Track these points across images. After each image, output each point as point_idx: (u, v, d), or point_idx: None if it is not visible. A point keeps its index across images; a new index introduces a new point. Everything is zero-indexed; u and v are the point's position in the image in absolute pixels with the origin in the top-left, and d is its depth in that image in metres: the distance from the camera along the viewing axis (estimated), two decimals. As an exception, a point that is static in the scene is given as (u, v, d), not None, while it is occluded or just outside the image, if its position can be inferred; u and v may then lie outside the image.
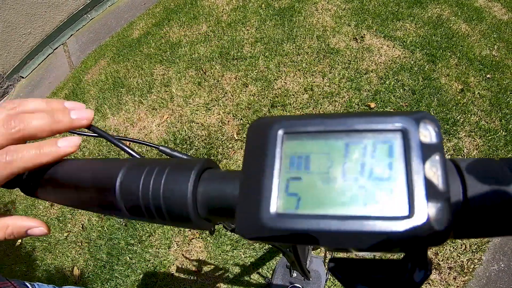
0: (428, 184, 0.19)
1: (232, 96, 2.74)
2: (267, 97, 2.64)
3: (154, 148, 0.43)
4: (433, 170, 0.20)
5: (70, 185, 0.35)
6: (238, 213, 0.24)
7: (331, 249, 0.24)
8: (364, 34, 2.99)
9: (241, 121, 2.58)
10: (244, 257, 2.06)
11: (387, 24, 3.05)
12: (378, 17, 3.13)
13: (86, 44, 4.63)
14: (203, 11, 3.73)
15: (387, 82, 2.57)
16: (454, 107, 2.39)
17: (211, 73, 2.96)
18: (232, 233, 2.12)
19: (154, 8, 4.35)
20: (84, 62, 4.09)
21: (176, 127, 2.71)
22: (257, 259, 2.04)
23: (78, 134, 0.49)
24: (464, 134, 2.27)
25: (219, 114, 2.67)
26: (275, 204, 0.22)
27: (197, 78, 2.97)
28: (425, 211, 0.19)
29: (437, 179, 0.20)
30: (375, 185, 0.20)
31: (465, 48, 2.75)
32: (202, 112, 2.72)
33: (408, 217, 0.19)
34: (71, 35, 5.16)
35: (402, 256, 0.23)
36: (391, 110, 2.40)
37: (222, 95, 2.77)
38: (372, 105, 2.45)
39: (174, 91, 2.95)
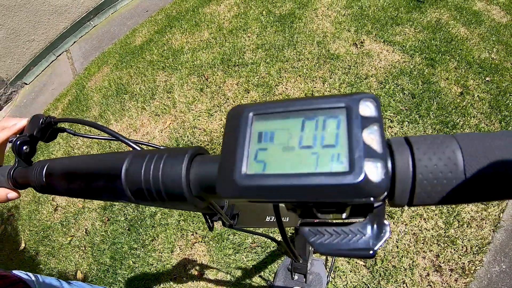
0: (366, 147, 0.23)
1: (234, 102, 2.76)
2: (268, 102, 2.67)
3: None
4: (371, 137, 0.24)
5: (80, 176, 0.40)
6: (217, 179, 0.28)
7: (292, 205, 0.28)
8: (363, 40, 3.02)
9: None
10: (246, 261, 2.07)
11: (387, 29, 3.08)
12: (377, 22, 3.16)
13: (89, 51, 4.66)
14: (204, 18, 3.77)
15: (387, 87, 2.59)
16: (453, 110, 2.40)
17: (213, 79, 2.99)
18: (234, 237, 2.13)
19: (157, 15, 4.39)
20: (87, 69, 4.12)
21: (179, 133, 2.73)
22: (259, 263, 2.05)
23: (87, 137, 0.54)
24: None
25: (221, 120, 2.69)
26: (245, 168, 0.26)
27: (199, 84, 2.99)
28: (362, 167, 0.23)
29: (375, 144, 0.23)
30: (324, 151, 0.25)
31: (464, 51, 2.77)
32: (204, 118, 2.74)
33: (349, 172, 0.23)
34: (74, 42, 5.20)
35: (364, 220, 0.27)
36: (388, 113, 2.42)
37: (224, 101, 2.79)
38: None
39: (176, 97, 2.97)
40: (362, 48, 2.95)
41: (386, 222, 0.26)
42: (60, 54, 5.01)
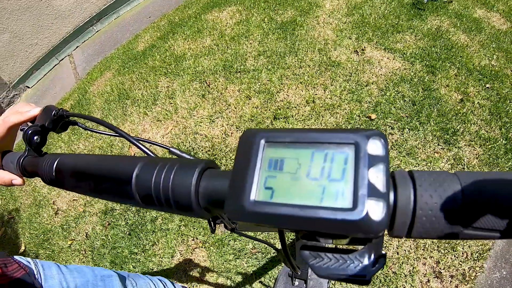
0: (371, 186, 0.24)
1: (236, 108, 2.77)
2: (269, 110, 2.68)
3: (165, 149, 0.48)
4: (376, 176, 0.25)
5: (90, 176, 0.41)
6: (227, 202, 0.29)
7: (295, 232, 0.28)
8: (364, 47, 3.04)
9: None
10: (247, 266, 2.07)
11: (387, 36, 3.10)
12: (378, 30, 3.19)
13: (91, 55, 4.68)
14: (207, 25, 3.79)
15: (387, 94, 2.61)
16: (454, 117, 2.41)
17: (215, 85, 3.00)
18: (235, 243, 2.13)
19: (159, 21, 4.41)
20: (89, 73, 4.14)
21: (180, 139, 2.74)
22: (259, 268, 2.05)
23: (100, 133, 0.56)
24: (464, 143, 2.29)
25: (223, 126, 2.70)
26: (255, 194, 0.27)
27: (201, 90, 3.01)
28: (364, 205, 0.24)
29: (379, 183, 0.24)
30: (331, 184, 0.26)
31: (464, 58, 2.79)
32: (206, 124, 2.75)
33: (352, 209, 0.24)
34: (77, 46, 5.22)
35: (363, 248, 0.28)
36: (389, 120, 2.43)
37: (226, 107, 2.80)
38: (373, 116, 2.48)
39: (178, 103, 2.99)
40: (363, 55, 2.97)
41: (383, 252, 0.28)
42: (62, 59, 5.04)
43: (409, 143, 2.29)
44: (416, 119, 2.42)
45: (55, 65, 4.98)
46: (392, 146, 2.29)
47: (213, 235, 2.19)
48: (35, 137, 0.60)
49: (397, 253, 1.93)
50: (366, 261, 0.27)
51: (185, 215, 0.36)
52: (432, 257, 1.90)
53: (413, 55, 2.87)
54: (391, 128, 2.40)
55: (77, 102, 3.64)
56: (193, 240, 2.23)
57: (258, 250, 2.09)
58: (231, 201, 0.28)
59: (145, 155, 0.46)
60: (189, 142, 2.68)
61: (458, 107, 2.48)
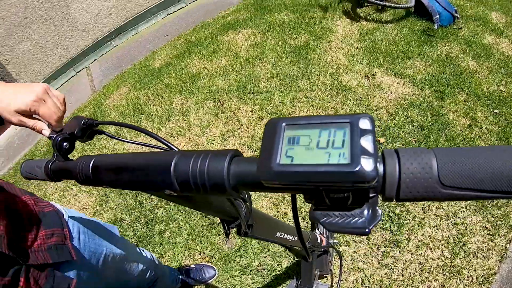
0: (362, 149, 0.33)
1: (248, 128, 2.85)
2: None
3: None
4: (366, 142, 0.33)
5: (129, 170, 0.49)
6: (258, 168, 0.37)
7: (308, 195, 0.38)
8: (375, 72, 3.13)
9: (255, 152, 2.68)
10: (252, 283, 2.12)
11: (398, 62, 3.19)
12: (389, 55, 3.28)
13: (108, 69, 4.81)
14: (222, 46, 3.92)
15: (396, 118, 2.67)
16: (461, 142, 2.47)
17: (228, 105, 3.10)
18: (241, 259, 2.19)
19: (176, 40, 4.54)
20: (106, 86, 4.27)
21: (195, 147, 2.81)
22: (264, 286, 2.10)
23: (126, 142, 0.70)
24: None
25: (234, 145, 2.78)
26: (279, 160, 0.36)
27: (215, 109, 3.10)
28: (359, 161, 0.32)
29: (369, 147, 0.33)
30: (334, 150, 0.34)
31: (473, 84, 2.86)
32: (218, 142, 2.83)
33: (350, 164, 0.32)
34: (95, 59, 5.36)
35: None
36: (397, 144, 2.50)
37: (238, 127, 2.89)
38: (382, 140, 2.55)
39: (192, 120, 3.08)
40: (373, 80, 3.06)
41: (378, 210, 0.36)
42: (80, 70, 5.18)
43: None
44: (425, 143, 2.48)
45: (72, 76, 5.12)
46: None
47: (220, 250, 2.24)
48: (65, 144, 0.67)
49: (402, 276, 1.98)
50: (366, 216, 0.35)
51: (218, 195, 0.44)
52: (437, 280, 1.95)
53: (423, 81, 2.95)
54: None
55: (92, 113, 3.75)
56: (200, 254, 2.29)
57: (264, 267, 2.14)
58: (261, 166, 0.37)
59: None
60: None
61: (466, 132, 2.53)
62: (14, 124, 0.76)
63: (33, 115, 0.76)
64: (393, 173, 0.33)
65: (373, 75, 3.11)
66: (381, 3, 3.80)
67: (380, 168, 0.34)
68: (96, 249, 1.08)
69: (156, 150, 0.63)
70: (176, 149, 0.53)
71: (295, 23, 4.02)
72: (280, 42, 3.72)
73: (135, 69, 4.35)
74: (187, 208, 2.40)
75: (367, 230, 0.35)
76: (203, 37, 4.25)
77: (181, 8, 5.94)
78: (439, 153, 0.33)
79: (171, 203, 2.47)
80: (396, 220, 2.12)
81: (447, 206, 2.15)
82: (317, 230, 1.30)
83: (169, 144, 0.55)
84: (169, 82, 3.66)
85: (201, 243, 2.31)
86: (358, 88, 3.00)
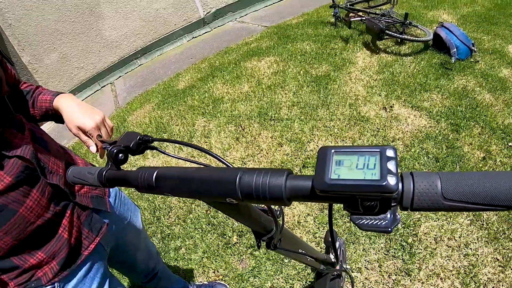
0: (388, 170, 0.44)
1: (267, 153, 2.96)
2: (299, 158, 2.85)
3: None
4: (391, 165, 0.45)
5: (194, 180, 0.59)
6: (315, 181, 0.48)
7: (347, 204, 0.49)
8: (393, 104, 3.21)
9: None
10: (266, 305, 2.18)
11: (415, 95, 3.28)
12: (407, 88, 3.37)
13: (133, 87, 4.98)
14: (246, 72, 4.07)
15: (412, 150, 2.74)
16: (475, 174, 2.50)
17: (249, 130, 3.21)
18: (254, 279, 2.24)
19: (200, 63, 4.71)
20: (129, 103, 4.42)
21: None
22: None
23: (178, 158, 0.78)
24: None
25: (254, 169, 2.86)
26: (330, 176, 0.47)
27: (236, 133, 3.22)
28: (386, 177, 0.43)
29: (392, 168, 0.44)
30: (369, 170, 0.46)
31: (488, 117, 2.91)
32: (238, 166, 2.91)
33: (379, 180, 0.43)
34: (120, 76, 5.55)
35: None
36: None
37: (258, 152, 2.99)
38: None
39: (213, 142, 3.19)
40: (391, 112, 3.14)
41: (398, 215, 0.47)
42: (105, 85, 5.37)
43: None
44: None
45: (97, 90, 5.31)
46: None
47: (234, 270, 2.30)
48: (120, 155, 0.76)
49: (410, 309, 2.02)
50: (388, 219, 0.47)
51: (274, 204, 0.55)
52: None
53: (439, 113, 3.02)
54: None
55: (115, 129, 3.86)
56: (214, 272, 2.34)
57: (278, 291, 2.20)
58: (318, 179, 0.48)
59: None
60: None
61: (480, 165, 2.57)
62: (72, 133, 1.05)
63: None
64: (409, 189, 0.44)
65: (391, 107, 3.19)
66: (401, 36, 3.91)
67: (399, 185, 0.45)
68: (123, 214, 1.33)
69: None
70: (230, 165, 0.64)
71: (317, 53, 4.17)
72: (301, 71, 3.85)
73: (159, 88, 4.50)
74: (204, 226, 2.51)
75: (389, 229, 0.46)
76: (227, 62, 4.41)
77: (206, 32, 6.15)
78: (442, 176, 0.44)
79: (188, 221, 2.57)
80: (408, 249, 2.17)
81: (459, 237, 2.20)
82: (331, 255, 1.37)
83: (226, 162, 0.65)
84: (192, 104, 3.79)
85: (216, 261, 2.36)
86: (375, 119, 3.09)
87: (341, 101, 3.33)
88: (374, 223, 0.47)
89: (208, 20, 6.26)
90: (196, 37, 6.10)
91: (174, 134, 3.45)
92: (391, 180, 0.42)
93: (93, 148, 1.07)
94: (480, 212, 2.26)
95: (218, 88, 3.93)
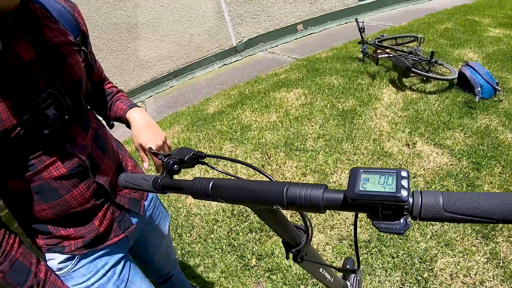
0: (402, 185, 0.56)
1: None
2: (322, 189, 2.93)
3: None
4: (404, 183, 0.56)
5: (248, 190, 0.71)
6: (347, 191, 0.60)
7: (370, 212, 0.60)
8: (416, 141, 3.29)
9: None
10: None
11: (438, 132, 3.34)
12: (430, 125, 3.45)
13: (163, 107, 5.18)
14: (274, 102, 4.25)
15: (432, 187, 2.78)
16: (494, 213, 2.52)
17: (275, 158, 3.35)
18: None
19: (231, 90, 4.90)
20: (159, 123, 4.60)
21: None
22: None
23: (227, 174, 0.91)
24: (502, 239, 2.36)
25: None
26: (359, 188, 0.59)
27: (262, 161, 3.36)
28: (400, 191, 0.53)
29: (405, 185, 0.56)
30: (387, 186, 0.57)
31: (510, 157, 2.93)
32: (262, 192, 3.02)
33: (395, 192, 0.55)
34: (151, 96, 5.78)
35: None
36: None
37: (282, 180, 3.10)
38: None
39: (239, 168, 3.32)
40: (414, 148, 3.21)
41: (410, 221, 0.57)
42: (136, 103, 5.57)
43: (448, 235, 2.40)
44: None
45: (128, 108, 5.51)
46: (432, 237, 2.40)
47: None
48: (175, 166, 0.85)
49: None
50: (401, 224, 0.58)
51: (312, 211, 0.66)
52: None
53: (461, 152, 3.06)
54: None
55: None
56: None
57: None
58: (350, 189, 0.59)
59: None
60: (243, 206, 2.95)
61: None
62: (134, 146, 1.21)
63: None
64: (417, 202, 0.56)
65: (414, 143, 3.26)
66: (426, 74, 4.02)
67: (411, 199, 0.57)
68: (153, 217, 1.45)
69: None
70: (271, 178, 0.77)
71: (344, 88, 4.33)
72: (328, 105, 4.00)
73: (189, 111, 4.69)
74: (224, 247, 2.60)
75: (402, 231, 0.58)
76: (257, 91, 4.60)
77: (237, 60, 6.38)
78: (444, 194, 0.56)
79: (209, 240, 2.67)
80: (423, 283, 2.19)
81: (474, 274, 2.21)
82: (347, 282, 1.47)
83: (272, 178, 0.76)
84: (221, 129, 3.96)
85: (233, 282, 2.40)
86: (398, 155, 3.17)
87: (365, 135, 3.44)
88: (390, 227, 0.58)
89: (240, 49, 6.51)
90: (227, 64, 6.34)
91: (202, 157, 3.58)
92: (404, 193, 0.54)
93: (145, 165, 1.25)
94: (497, 251, 2.30)
95: (246, 116, 4.10)
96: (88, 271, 1.15)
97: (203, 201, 3.10)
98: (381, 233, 2.35)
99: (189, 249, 2.67)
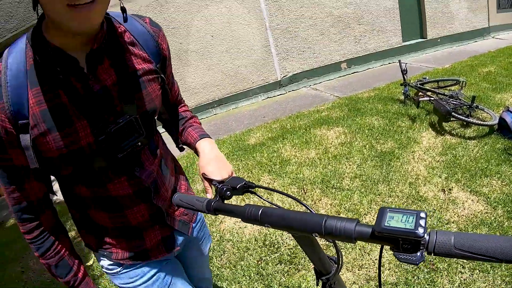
0: (420, 224, 0.65)
1: (325, 219, 3.13)
2: (355, 228, 2.99)
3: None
4: (422, 222, 0.65)
5: (290, 219, 0.81)
6: (375, 225, 0.70)
7: (393, 244, 0.66)
8: (452, 187, 3.27)
9: (326, 242, 2.87)
10: None
11: (475, 179, 3.31)
12: (467, 172, 3.42)
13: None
14: (314, 138, 4.39)
15: None
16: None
17: (311, 194, 3.45)
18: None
19: (273, 123, 5.07)
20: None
21: (269, 231, 3.08)
22: None
23: (272, 204, 0.99)
24: None
25: (309, 231, 3.04)
26: (385, 223, 0.68)
27: (298, 195, 3.46)
28: (418, 228, 0.62)
29: (422, 224, 0.65)
30: (408, 224, 0.66)
31: None
32: (295, 225, 3.11)
33: (414, 229, 0.62)
34: (194, 122, 5.99)
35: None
36: (461, 261, 2.57)
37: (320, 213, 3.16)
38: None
39: (275, 199, 3.44)
40: (449, 194, 3.19)
41: (424, 256, 0.63)
42: (179, 128, 5.82)
43: (477, 284, 2.38)
44: (488, 263, 2.51)
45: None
46: (460, 284, 2.40)
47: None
48: (228, 193, 0.94)
49: None
50: (417, 257, 0.64)
51: (345, 241, 0.72)
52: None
53: (497, 200, 3.01)
54: (462, 267, 2.50)
55: (184, 168, 4.14)
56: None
57: None
58: (377, 224, 0.65)
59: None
60: (276, 236, 3.01)
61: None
62: (199, 175, 1.22)
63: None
64: (432, 240, 0.65)
65: (450, 189, 3.25)
66: (467, 119, 4.02)
67: (427, 236, 0.66)
68: (197, 236, 1.48)
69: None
70: (311, 210, 0.88)
71: (384, 129, 4.42)
72: (367, 145, 4.10)
73: (230, 140, 4.87)
74: (252, 275, 2.67)
75: (417, 263, 0.66)
76: (298, 127, 4.75)
77: (280, 94, 6.59)
78: (456, 234, 0.65)
79: (238, 267, 2.74)
80: None
81: None
82: None
83: (313, 211, 0.87)
84: (260, 160, 4.12)
85: None
86: (433, 200, 3.16)
87: (402, 178, 3.48)
88: (408, 258, 0.66)
89: (284, 83, 6.73)
90: (271, 97, 6.56)
91: (240, 186, 3.72)
92: (420, 230, 0.63)
93: (208, 196, 1.30)
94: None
95: (286, 150, 4.25)
96: (135, 274, 1.26)
97: (236, 228, 3.25)
98: (409, 277, 2.40)
99: (218, 272, 2.75)
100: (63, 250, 1.13)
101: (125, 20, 1.00)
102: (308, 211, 0.84)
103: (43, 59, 0.91)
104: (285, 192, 1.07)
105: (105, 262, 1.26)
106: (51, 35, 0.90)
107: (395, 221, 0.66)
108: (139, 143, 1.06)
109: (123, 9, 0.96)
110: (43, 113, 0.92)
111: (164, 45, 1.16)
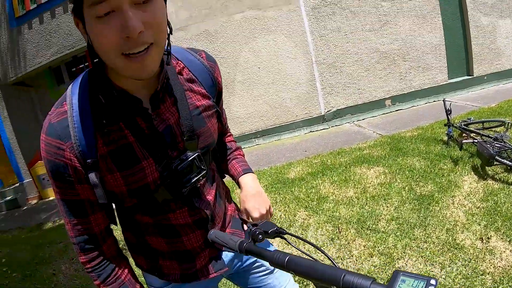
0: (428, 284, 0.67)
1: (356, 260, 3.19)
2: (386, 272, 3.02)
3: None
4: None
5: (313, 269, 0.87)
6: (387, 286, 0.76)
7: None
8: (491, 236, 3.19)
9: None
10: None
11: (516, 228, 3.23)
12: (508, 220, 3.32)
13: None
14: (354, 177, 4.45)
15: (500, 287, 2.69)
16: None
17: (345, 234, 3.49)
18: None
19: (313, 158, 5.16)
20: (240, 179, 4.88)
21: None
22: None
23: (306, 241, 1.08)
24: None
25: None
26: (396, 286, 0.72)
27: (332, 234, 3.52)
28: None
29: None
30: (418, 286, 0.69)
31: None
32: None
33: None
34: (238, 151, 6.18)
35: None
36: None
37: (348, 257, 3.23)
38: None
39: (308, 236, 3.51)
40: (487, 243, 3.11)
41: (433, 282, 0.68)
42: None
43: None
44: None
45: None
46: None
47: None
48: (260, 236, 0.98)
49: None
50: None
51: None
52: None
53: None
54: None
55: None
56: None
57: None
58: (389, 286, 0.70)
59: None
60: None
61: None
62: (240, 208, 1.29)
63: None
64: None
65: (488, 238, 3.17)
66: (511, 164, 3.91)
67: None
68: (245, 259, 1.46)
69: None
70: (336, 265, 0.93)
71: (425, 171, 4.40)
72: (407, 187, 4.09)
73: (271, 171, 5.00)
74: None
75: None
76: (338, 164, 4.83)
77: (323, 129, 6.70)
78: None
79: None
80: None
81: None
82: None
83: (336, 263, 0.93)
84: (298, 196, 4.22)
85: None
86: (470, 249, 3.10)
87: (439, 224, 3.44)
88: None
89: (327, 118, 6.84)
90: (313, 131, 6.67)
91: (275, 219, 3.82)
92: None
93: (244, 227, 1.35)
94: None
95: (325, 187, 4.33)
96: None
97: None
98: None
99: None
100: (124, 276, 1.16)
101: (168, 63, 1.00)
102: (331, 263, 0.91)
103: (108, 100, 0.97)
104: (314, 243, 1.16)
105: (154, 281, 1.30)
106: (114, 78, 0.96)
107: (406, 285, 0.71)
108: (201, 178, 1.10)
109: (169, 52, 0.98)
110: (111, 153, 0.98)
111: (219, 79, 1.21)
